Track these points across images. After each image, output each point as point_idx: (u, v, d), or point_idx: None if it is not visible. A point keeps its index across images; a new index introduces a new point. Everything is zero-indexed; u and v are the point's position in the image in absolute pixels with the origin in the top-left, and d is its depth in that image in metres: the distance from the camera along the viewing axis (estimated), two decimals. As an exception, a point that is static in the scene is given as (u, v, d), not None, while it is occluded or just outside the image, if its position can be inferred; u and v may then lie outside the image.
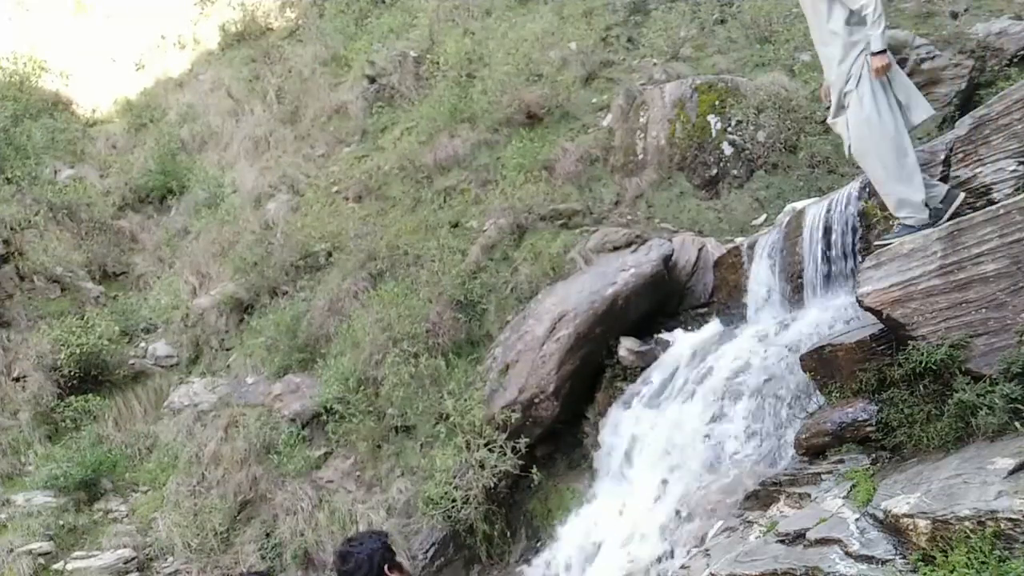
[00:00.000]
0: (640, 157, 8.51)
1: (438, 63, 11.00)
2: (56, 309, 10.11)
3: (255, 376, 8.77)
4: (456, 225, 8.79)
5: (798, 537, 3.82)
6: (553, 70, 10.12)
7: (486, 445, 6.39)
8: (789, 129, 7.73)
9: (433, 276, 7.85)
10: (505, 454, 6.34)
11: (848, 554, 3.51)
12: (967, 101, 7.32)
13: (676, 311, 7.10)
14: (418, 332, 7.40)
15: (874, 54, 4.35)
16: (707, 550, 4.37)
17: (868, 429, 4.23)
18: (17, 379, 9.28)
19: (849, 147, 4.61)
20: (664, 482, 5.51)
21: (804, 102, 7.83)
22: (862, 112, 4.41)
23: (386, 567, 2.64)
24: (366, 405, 7.36)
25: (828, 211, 5.59)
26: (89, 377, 9.12)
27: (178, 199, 12.37)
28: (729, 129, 8.09)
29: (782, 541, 3.88)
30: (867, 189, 5.35)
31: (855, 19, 4.42)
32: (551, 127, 9.58)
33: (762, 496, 4.54)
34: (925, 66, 7.62)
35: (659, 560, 5.04)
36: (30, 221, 10.72)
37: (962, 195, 4.46)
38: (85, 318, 9.49)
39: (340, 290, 8.67)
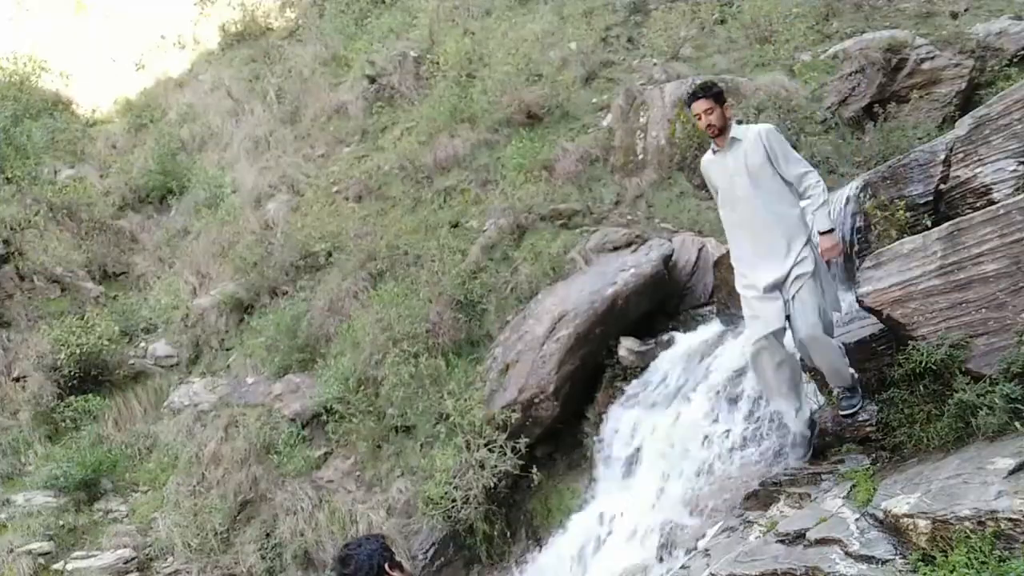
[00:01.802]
0: (640, 157, 8.51)
1: (438, 63, 11.00)
2: (56, 309, 10.11)
3: (255, 376, 8.77)
4: (456, 225, 8.79)
5: (798, 537, 3.82)
6: (553, 70, 10.12)
7: (486, 445, 6.39)
8: (789, 129, 7.71)
9: (433, 276, 7.85)
10: (505, 454, 6.34)
11: (848, 554, 3.51)
12: (967, 101, 7.32)
13: (676, 311, 7.10)
14: (418, 332, 7.40)
15: (822, 233, 4.21)
16: (707, 550, 4.37)
17: (868, 429, 4.24)
18: (17, 379, 9.28)
19: (800, 339, 4.27)
20: (664, 482, 5.51)
21: (804, 102, 7.83)
22: (815, 299, 4.19)
23: (386, 565, 2.65)
24: (366, 405, 7.36)
25: (828, 211, 5.59)
26: (89, 377, 9.12)
27: (178, 199, 12.38)
28: (729, 129, 8.08)
29: (782, 541, 3.88)
30: (867, 189, 5.36)
31: (793, 193, 4.29)
32: (551, 127, 9.58)
33: (762, 496, 4.54)
34: (925, 66, 7.62)
35: (659, 560, 5.04)
36: (30, 221, 10.72)
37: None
38: (85, 318, 9.49)
39: (340, 290, 8.67)
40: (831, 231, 4.24)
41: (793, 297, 4.19)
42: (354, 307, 8.39)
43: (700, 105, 4.22)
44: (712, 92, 4.23)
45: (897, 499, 3.52)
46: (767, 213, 4.21)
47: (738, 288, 4.45)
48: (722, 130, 4.25)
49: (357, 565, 2.63)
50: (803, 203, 4.36)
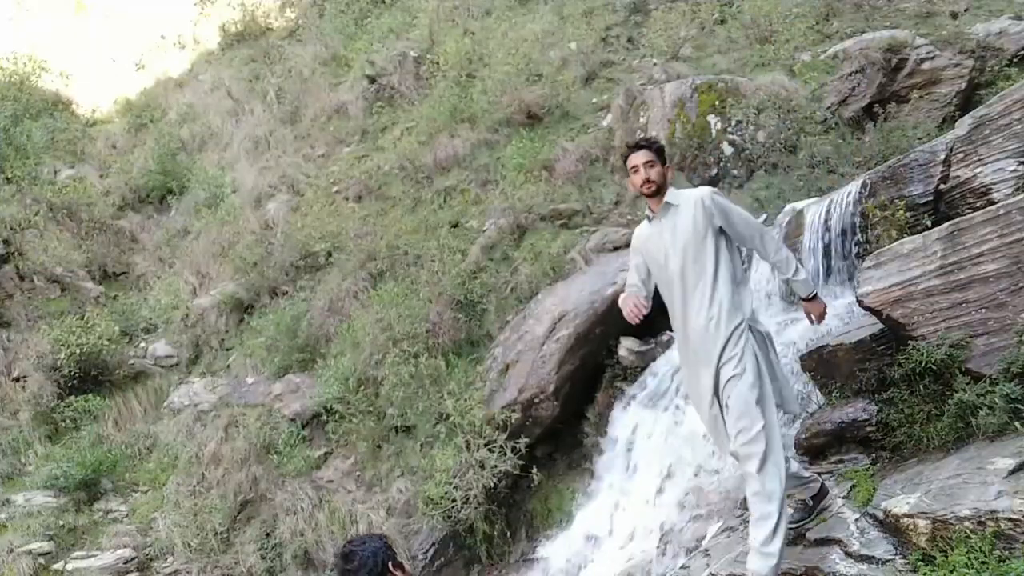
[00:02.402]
0: (640, 157, 8.50)
1: (438, 63, 11.00)
2: (56, 309, 10.11)
3: (255, 376, 8.77)
4: (456, 225, 8.79)
5: (798, 537, 3.82)
6: (553, 70, 10.12)
7: (486, 445, 6.39)
8: (789, 129, 7.72)
9: (433, 276, 7.85)
10: (505, 454, 6.34)
11: (848, 554, 3.52)
12: (967, 101, 7.32)
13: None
14: (418, 332, 7.40)
15: (807, 300, 3.74)
16: (707, 550, 4.37)
17: (868, 429, 4.24)
18: (17, 379, 9.28)
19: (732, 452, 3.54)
20: (664, 482, 5.51)
21: (804, 102, 7.83)
22: (751, 405, 3.44)
23: (390, 564, 2.65)
24: (366, 405, 7.36)
25: (828, 211, 5.60)
26: (89, 377, 9.12)
27: (178, 199, 12.38)
28: (729, 129, 8.09)
29: (782, 541, 3.87)
30: (867, 189, 5.36)
31: (738, 270, 3.63)
32: (551, 127, 9.58)
33: (762, 496, 4.53)
34: (925, 66, 7.62)
35: (659, 560, 5.04)
36: (30, 221, 10.72)
37: (830, 492, 3.94)
38: (85, 318, 9.49)
39: (340, 290, 8.67)
40: (815, 297, 3.74)
41: (726, 404, 3.49)
42: (354, 307, 8.39)
43: (640, 157, 3.61)
44: (655, 146, 3.66)
45: (897, 499, 3.52)
46: (704, 296, 3.52)
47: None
48: (660, 189, 3.60)
49: (361, 561, 2.63)
50: (756, 275, 3.90)
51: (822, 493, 3.93)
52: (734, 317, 3.51)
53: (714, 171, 8.11)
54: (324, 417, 7.61)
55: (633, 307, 3.60)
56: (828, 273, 5.57)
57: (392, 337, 7.45)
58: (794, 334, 5.44)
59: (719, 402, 3.53)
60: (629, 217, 8.06)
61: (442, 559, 6.53)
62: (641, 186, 3.60)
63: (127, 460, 8.42)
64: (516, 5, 12.20)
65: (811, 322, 3.89)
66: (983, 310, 3.87)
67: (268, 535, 7.04)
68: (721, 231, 3.56)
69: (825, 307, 3.82)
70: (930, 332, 3.99)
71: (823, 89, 8.00)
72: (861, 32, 8.51)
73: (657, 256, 3.64)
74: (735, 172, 8.02)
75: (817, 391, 4.79)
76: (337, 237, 9.34)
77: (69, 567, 6.96)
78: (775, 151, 7.78)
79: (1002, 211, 3.93)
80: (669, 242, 3.59)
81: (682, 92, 8.34)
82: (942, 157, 4.91)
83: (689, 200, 3.57)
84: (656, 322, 7.00)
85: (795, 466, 3.85)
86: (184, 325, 9.97)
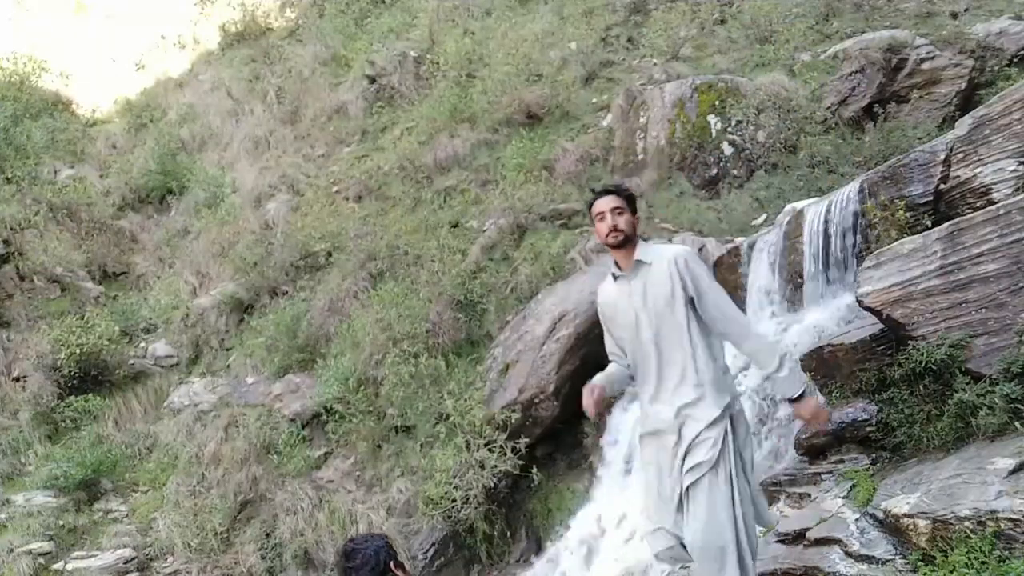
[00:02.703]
0: (640, 157, 8.51)
1: (438, 63, 11.00)
2: (56, 309, 10.11)
3: (255, 376, 8.77)
4: (456, 225, 8.79)
5: (798, 537, 3.82)
6: (553, 70, 10.12)
7: (486, 445, 6.39)
8: (789, 129, 7.72)
9: (433, 276, 7.85)
10: (505, 454, 6.34)
11: (848, 554, 3.52)
12: (967, 101, 7.32)
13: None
14: (418, 332, 7.40)
15: (793, 401, 2.97)
16: (707, 550, 4.36)
17: (868, 429, 4.24)
18: (17, 379, 9.28)
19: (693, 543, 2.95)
20: (664, 482, 5.49)
21: (804, 102, 7.83)
22: (719, 498, 2.91)
23: (391, 563, 2.65)
24: (366, 405, 7.36)
25: (828, 211, 5.60)
26: (89, 377, 9.11)
27: (178, 199, 12.37)
28: (729, 129, 8.09)
29: (782, 541, 3.88)
30: (867, 189, 5.36)
31: (717, 342, 3.09)
32: (551, 127, 9.58)
33: (762, 496, 4.54)
34: (925, 66, 7.62)
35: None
36: (30, 221, 10.71)
37: None
38: (85, 318, 9.48)
39: (340, 290, 8.67)
40: (803, 395, 2.96)
41: (687, 489, 2.96)
42: (354, 307, 8.38)
43: (607, 203, 3.09)
44: (625, 193, 3.16)
45: (897, 499, 3.52)
46: (685, 372, 3.01)
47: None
48: (628, 240, 3.08)
49: (364, 559, 2.63)
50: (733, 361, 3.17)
51: None
52: (721, 398, 2.98)
53: (714, 171, 8.11)
54: (324, 417, 7.61)
55: (593, 404, 3.07)
56: (828, 273, 5.57)
57: (392, 337, 7.45)
58: (794, 336, 5.44)
59: (681, 487, 2.97)
60: (629, 217, 8.05)
61: (442, 559, 6.53)
62: (607, 236, 3.08)
63: (127, 460, 8.42)
64: (516, 5, 12.20)
65: (810, 429, 3.38)
66: (983, 310, 3.87)
67: (268, 535, 7.04)
68: (692, 303, 3.01)
69: (823, 410, 3.03)
70: (930, 332, 3.99)
71: (823, 89, 8.00)
72: (861, 32, 8.52)
73: (627, 320, 3.10)
74: (735, 172, 8.02)
75: (817, 391, 4.79)
76: (337, 237, 9.34)
77: (69, 567, 6.96)
78: (775, 151, 7.78)
79: (1002, 211, 3.93)
80: (640, 305, 3.05)
81: (682, 92, 8.34)
82: (942, 157, 4.91)
83: (662, 258, 3.05)
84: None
85: None
86: (184, 325, 9.97)
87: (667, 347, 3.02)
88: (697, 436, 2.95)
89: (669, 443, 3.02)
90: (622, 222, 3.07)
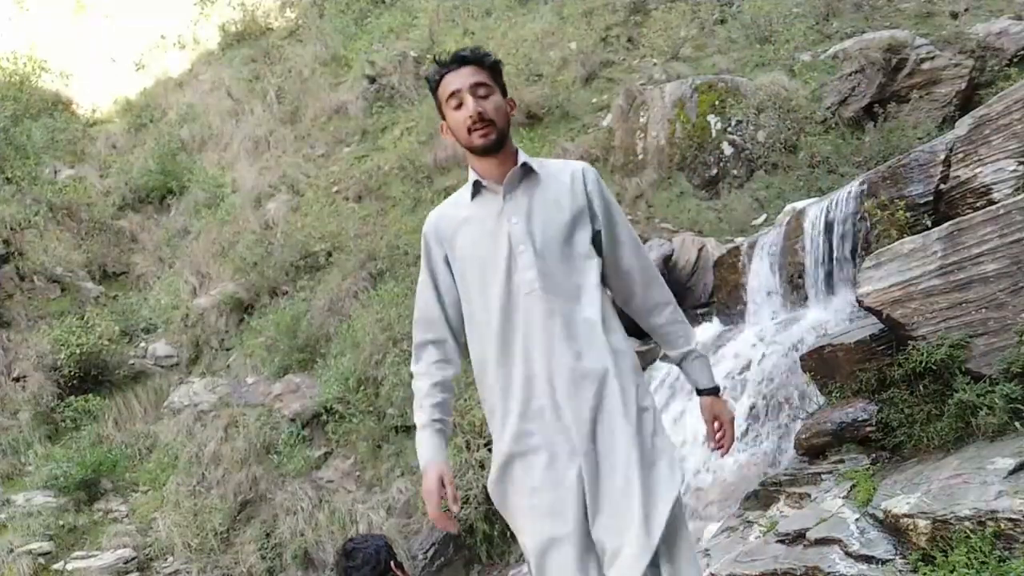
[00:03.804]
0: (640, 157, 8.51)
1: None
2: (56, 309, 10.10)
3: (255, 376, 8.77)
4: (456, 225, 8.78)
5: (798, 537, 3.82)
6: (553, 70, 10.12)
7: (486, 445, 6.39)
8: (789, 129, 7.73)
9: (433, 276, 7.84)
10: (505, 454, 6.34)
11: (848, 554, 3.51)
12: (967, 101, 7.32)
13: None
14: (418, 332, 7.40)
15: (703, 392, 2.19)
16: (707, 550, 4.37)
17: (868, 429, 4.24)
18: (17, 379, 9.27)
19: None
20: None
21: (804, 102, 7.84)
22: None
23: (391, 563, 2.66)
24: (366, 405, 7.35)
25: (828, 211, 5.60)
26: (89, 377, 9.11)
27: (178, 199, 12.37)
28: (729, 129, 8.09)
29: (782, 541, 3.88)
30: (867, 189, 5.36)
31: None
32: (551, 127, 9.58)
33: (762, 496, 4.54)
34: (925, 66, 7.63)
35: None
36: (30, 221, 10.71)
37: None
38: (85, 318, 9.48)
39: (340, 290, 8.67)
40: (716, 389, 2.18)
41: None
42: (354, 307, 8.38)
43: (465, 77, 2.00)
44: (489, 62, 2.06)
45: (897, 499, 3.52)
46: (586, 335, 1.96)
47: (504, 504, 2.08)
48: (502, 139, 2.03)
49: (364, 559, 2.64)
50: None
51: None
52: (638, 375, 2.03)
53: (714, 171, 8.11)
54: (324, 417, 7.61)
55: (441, 517, 2.07)
56: (828, 273, 5.57)
57: (392, 337, 7.45)
58: (794, 335, 5.44)
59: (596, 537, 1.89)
60: (629, 217, 8.05)
61: (442, 559, 6.53)
62: (469, 129, 1.97)
63: (127, 460, 8.42)
64: (516, 5, 12.20)
65: (710, 435, 2.18)
66: (983, 310, 3.87)
67: (268, 535, 7.04)
68: (595, 240, 2.03)
69: (732, 413, 2.19)
70: (930, 332, 3.99)
71: (823, 89, 8.00)
72: (861, 32, 8.52)
73: (489, 256, 1.98)
74: (735, 172, 8.02)
75: (817, 391, 4.79)
76: (337, 237, 9.34)
77: (69, 567, 6.96)
78: (775, 151, 7.78)
79: (1002, 211, 3.93)
80: (521, 233, 1.96)
81: (682, 92, 8.35)
82: (942, 157, 4.91)
83: (562, 171, 2.08)
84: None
85: None
86: (184, 325, 9.97)
87: (558, 298, 1.93)
88: (639, 445, 1.94)
89: (572, 455, 1.91)
90: (490, 107, 1.98)
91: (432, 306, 2.12)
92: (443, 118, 2.06)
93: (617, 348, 1.99)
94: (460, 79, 1.99)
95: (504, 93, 2.06)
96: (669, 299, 2.16)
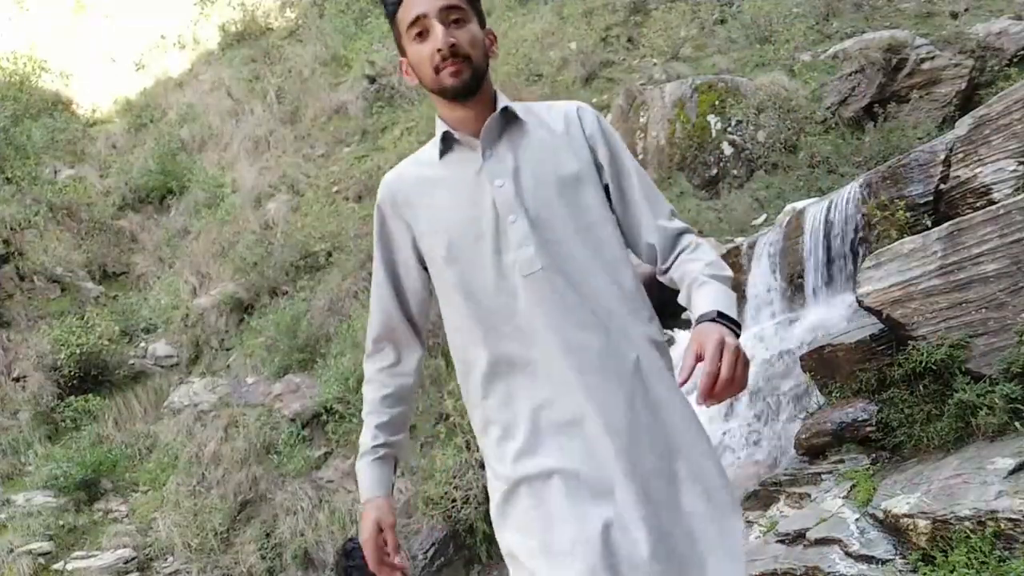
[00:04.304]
0: (640, 157, 8.51)
1: (438, 63, 10.99)
2: (56, 309, 10.11)
3: (255, 376, 8.77)
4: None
5: (798, 537, 3.82)
6: (553, 70, 10.12)
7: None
8: (789, 129, 7.73)
9: (433, 276, 7.84)
10: (505, 454, 6.34)
11: (848, 554, 3.51)
12: (967, 101, 7.32)
13: (677, 311, 7.08)
14: (418, 332, 7.40)
15: (704, 321, 1.45)
16: (707, 550, 4.36)
17: (868, 429, 4.24)
18: (17, 379, 9.27)
19: None
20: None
21: (804, 102, 7.84)
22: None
23: None
24: (366, 405, 7.35)
25: (828, 211, 5.60)
26: (89, 377, 9.11)
27: (178, 199, 12.37)
28: (729, 129, 8.09)
29: (782, 541, 3.88)
30: (867, 189, 5.36)
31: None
32: (551, 127, 9.58)
33: (762, 496, 4.54)
34: (925, 66, 7.63)
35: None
36: (30, 221, 10.71)
37: None
38: (85, 318, 9.48)
39: (340, 290, 8.67)
40: (714, 315, 1.45)
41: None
42: (354, 307, 8.38)
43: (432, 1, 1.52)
44: None
45: (897, 499, 3.52)
46: (603, 312, 1.51)
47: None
48: (479, 76, 1.56)
49: (364, 558, 2.64)
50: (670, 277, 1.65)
51: None
52: (666, 357, 1.61)
53: (714, 171, 8.11)
54: (324, 417, 7.61)
55: (382, 570, 1.64)
56: (828, 273, 5.57)
57: (392, 337, 7.45)
58: (795, 335, 5.44)
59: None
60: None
61: (442, 559, 6.53)
62: (439, 65, 1.52)
63: (127, 460, 8.42)
64: (516, 5, 12.20)
65: (684, 367, 1.41)
66: (983, 310, 3.87)
67: (268, 535, 7.04)
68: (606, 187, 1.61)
69: (727, 341, 1.40)
70: (930, 332, 3.99)
71: (823, 89, 8.00)
72: (861, 32, 8.52)
73: (467, 233, 1.54)
74: (735, 172, 8.02)
75: (817, 391, 4.79)
76: (337, 237, 9.34)
77: (69, 567, 6.96)
78: (775, 151, 7.78)
79: (1002, 211, 3.93)
80: (508, 196, 1.52)
81: (682, 92, 8.35)
82: (942, 157, 4.91)
83: (551, 117, 1.63)
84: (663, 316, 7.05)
85: None
86: (184, 325, 9.97)
87: (568, 269, 1.49)
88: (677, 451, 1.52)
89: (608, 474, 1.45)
90: (464, 38, 1.51)
91: (387, 296, 1.65)
92: (403, 54, 1.57)
93: (654, 339, 1.57)
94: (426, 1, 1.50)
95: (483, 23, 1.57)
96: (688, 236, 1.62)
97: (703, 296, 1.48)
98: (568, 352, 1.46)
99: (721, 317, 1.42)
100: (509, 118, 1.59)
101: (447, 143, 1.61)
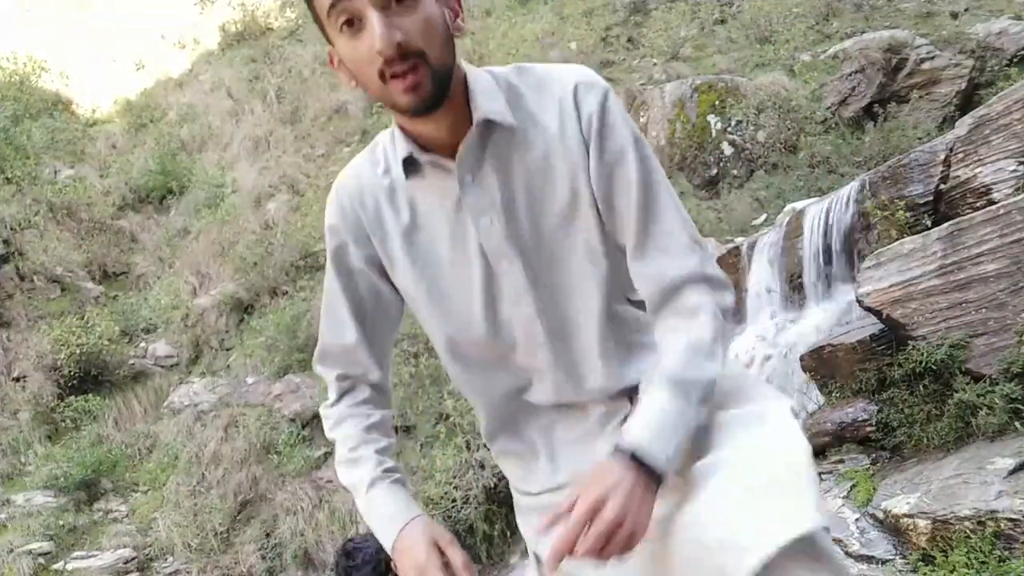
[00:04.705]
0: (640, 157, 8.51)
1: (438, 63, 11.00)
2: (56, 309, 10.11)
3: (255, 376, 8.77)
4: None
5: (798, 537, 3.81)
6: (553, 70, 10.13)
7: (486, 445, 6.38)
8: (789, 129, 7.72)
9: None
10: (505, 454, 6.34)
11: (848, 554, 3.52)
12: (967, 101, 7.32)
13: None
14: (418, 331, 7.39)
15: (644, 464, 1.03)
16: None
17: (868, 429, 4.24)
18: (17, 379, 9.28)
19: None
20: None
21: (804, 102, 7.84)
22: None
23: (391, 563, 2.67)
24: (366, 405, 7.35)
25: (828, 211, 5.60)
26: (89, 377, 9.11)
27: (178, 199, 12.38)
28: (729, 129, 8.09)
29: (782, 541, 3.87)
30: (867, 189, 5.36)
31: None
32: (551, 127, 9.58)
33: (762, 496, 4.54)
34: (925, 66, 7.62)
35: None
36: (30, 221, 10.72)
37: None
38: (85, 318, 9.49)
39: (340, 290, 8.67)
40: (645, 469, 1.03)
41: None
42: (354, 307, 8.39)
43: None
44: None
45: (897, 499, 3.52)
46: (603, 366, 1.22)
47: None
48: (439, 85, 1.07)
49: (364, 559, 2.63)
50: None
51: None
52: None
53: (714, 171, 8.11)
54: (324, 417, 7.61)
55: None
56: (828, 273, 5.57)
57: (392, 337, 7.45)
58: (794, 335, 5.44)
59: None
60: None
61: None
62: (385, 73, 1.05)
63: (127, 460, 8.42)
64: (516, 5, 12.20)
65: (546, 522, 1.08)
66: (983, 310, 3.87)
67: (268, 535, 7.04)
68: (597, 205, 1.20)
69: (608, 498, 1.01)
70: (930, 332, 3.99)
71: (823, 89, 8.00)
72: (861, 32, 8.52)
73: (451, 283, 1.23)
74: (735, 172, 8.02)
75: (817, 391, 4.79)
76: (337, 237, 9.34)
77: (69, 567, 6.96)
78: (775, 151, 7.78)
79: (1002, 211, 3.93)
80: (497, 242, 1.17)
81: (682, 92, 8.35)
82: (942, 157, 4.91)
83: (543, 108, 1.18)
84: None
85: None
86: (184, 325, 9.97)
87: (568, 319, 1.22)
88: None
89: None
90: (415, 27, 1.04)
91: (348, 330, 1.30)
92: (329, 42, 1.11)
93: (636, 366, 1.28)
94: None
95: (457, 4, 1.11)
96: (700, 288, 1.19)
97: (639, 414, 1.09)
98: (583, 450, 1.29)
99: (635, 460, 1.03)
100: (492, 128, 1.15)
101: (411, 166, 1.18)
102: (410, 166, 1.19)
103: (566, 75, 1.19)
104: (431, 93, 1.07)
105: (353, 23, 1.04)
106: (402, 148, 1.19)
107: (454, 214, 1.19)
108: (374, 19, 1.01)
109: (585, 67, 1.22)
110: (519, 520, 1.50)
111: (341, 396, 1.39)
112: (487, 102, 1.14)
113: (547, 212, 1.18)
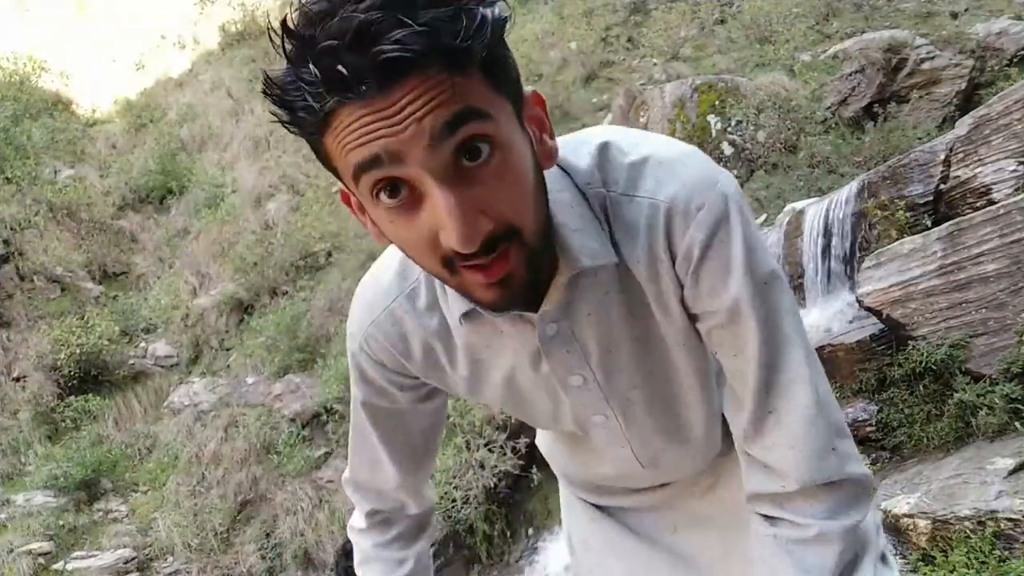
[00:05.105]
0: (640, 157, 8.51)
1: (438, 63, 11.01)
2: (56, 309, 10.11)
3: (255, 376, 8.77)
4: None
5: (798, 537, 3.81)
6: (553, 70, 10.13)
7: (486, 445, 6.39)
8: (789, 129, 7.72)
9: (433, 276, 7.85)
10: (505, 454, 6.34)
11: (848, 554, 3.51)
12: (967, 101, 7.32)
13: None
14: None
15: None
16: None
17: (868, 429, 4.24)
18: (17, 379, 9.28)
19: None
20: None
21: (804, 102, 7.83)
22: None
23: None
24: (366, 405, 7.35)
25: (828, 211, 5.60)
26: (89, 377, 9.12)
27: (178, 199, 12.38)
28: (729, 129, 8.09)
29: (782, 541, 3.87)
30: (867, 189, 5.36)
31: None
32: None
33: (762, 496, 4.54)
34: (925, 66, 7.62)
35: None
36: (30, 221, 10.72)
37: None
38: (85, 318, 9.49)
39: (340, 290, 8.67)
40: None
41: None
42: (354, 307, 8.39)
43: (412, 121, 0.68)
44: (474, 44, 0.75)
45: (897, 499, 3.52)
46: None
47: None
48: (534, 264, 0.76)
49: None
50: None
51: None
52: None
53: (714, 171, 8.12)
54: (324, 417, 7.61)
55: None
56: (828, 273, 5.57)
57: (392, 337, 7.45)
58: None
59: None
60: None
61: (442, 559, 6.53)
62: (459, 262, 0.73)
63: (127, 460, 8.42)
64: (516, 5, 12.21)
65: None
66: (983, 310, 3.87)
67: (268, 535, 7.05)
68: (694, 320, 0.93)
69: None
70: (930, 332, 4.00)
71: (823, 89, 8.00)
72: (861, 32, 8.51)
73: (533, 413, 1.07)
74: (735, 172, 8.02)
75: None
76: (337, 237, 9.34)
77: (69, 567, 6.96)
78: (775, 151, 7.78)
79: (1002, 211, 3.93)
80: (592, 400, 1.00)
81: (682, 92, 8.35)
82: (942, 157, 4.91)
83: (630, 240, 0.86)
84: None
85: None
86: (184, 325, 9.97)
87: (678, 442, 1.11)
88: None
89: None
90: (504, 199, 0.72)
91: (390, 476, 1.14)
92: (347, 186, 0.80)
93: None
94: (394, 123, 0.70)
95: (516, 93, 0.84)
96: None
97: None
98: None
99: None
100: (579, 280, 0.88)
101: (471, 312, 0.90)
102: (462, 319, 0.91)
103: (659, 199, 0.84)
104: (525, 282, 0.76)
105: (399, 191, 0.71)
106: (459, 304, 0.90)
107: (531, 367, 0.96)
108: (444, 202, 0.69)
109: (697, 159, 0.88)
110: (566, 497, 1.47)
111: (370, 528, 1.23)
112: (582, 240, 0.84)
113: (641, 366, 0.97)
